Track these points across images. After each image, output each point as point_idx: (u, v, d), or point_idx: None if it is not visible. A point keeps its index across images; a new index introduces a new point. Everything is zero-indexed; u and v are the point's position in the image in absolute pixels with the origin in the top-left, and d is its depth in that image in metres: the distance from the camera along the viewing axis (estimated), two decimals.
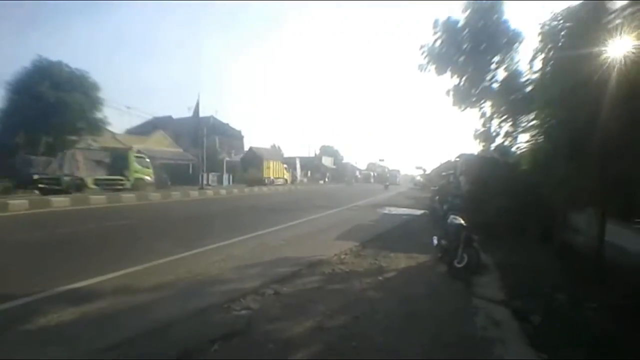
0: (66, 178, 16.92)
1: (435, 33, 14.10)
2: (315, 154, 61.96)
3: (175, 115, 37.67)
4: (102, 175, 18.90)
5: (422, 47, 14.39)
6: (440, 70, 14.37)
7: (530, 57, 10.12)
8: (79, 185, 17.10)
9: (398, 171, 71.82)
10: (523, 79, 13.04)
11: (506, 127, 14.45)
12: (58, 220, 9.74)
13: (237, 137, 43.49)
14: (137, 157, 21.07)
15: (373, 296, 4.57)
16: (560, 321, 3.82)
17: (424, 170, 31.11)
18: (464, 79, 14.40)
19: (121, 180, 19.51)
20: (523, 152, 10.42)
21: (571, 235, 7.22)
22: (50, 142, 17.67)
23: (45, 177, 16.27)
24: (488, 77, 14.49)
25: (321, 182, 52.40)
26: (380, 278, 5.37)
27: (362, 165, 77.86)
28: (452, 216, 6.32)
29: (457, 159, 16.50)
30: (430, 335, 3.49)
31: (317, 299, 4.32)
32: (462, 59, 13.99)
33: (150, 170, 21.71)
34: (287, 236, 8.45)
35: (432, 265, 6.24)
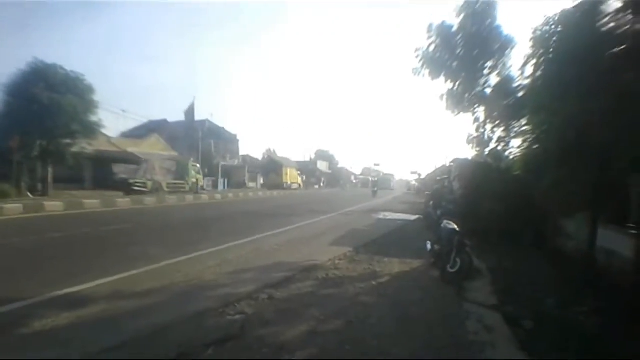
0: (149, 182, 22.15)
1: (429, 37, 14.27)
2: (311, 159, 62.08)
3: (170, 119, 37.61)
4: (171, 180, 24.37)
5: (416, 50, 14.55)
6: (434, 75, 14.52)
7: (521, 63, 10.28)
8: (157, 188, 22.03)
9: (392, 175, 70.02)
10: (515, 85, 13.23)
11: (499, 132, 14.62)
12: (56, 225, 9.69)
13: (233, 141, 43.46)
14: (192, 165, 26.62)
15: (367, 301, 4.61)
16: (551, 325, 3.87)
17: (419, 175, 31.11)
18: (457, 83, 14.57)
19: (183, 184, 24.87)
20: (516, 157, 10.57)
21: (563, 240, 7.32)
22: (44, 146, 17.55)
23: (136, 181, 21.39)
24: (481, 82, 14.67)
25: (316, 186, 52.46)
26: (374, 283, 5.41)
27: (358, 170, 78.00)
28: (445, 221, 6.38)
29: (451, 164, 16.64)
30: (422, 339, 3.54)
31: (311, 304, 4.35)
32: (455, 63, 14.16)
33: (201, 176, 27.85)
34: (281, 241, 8.47)
35: (425, 270, 6.29)
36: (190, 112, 25.78)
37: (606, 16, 4.79)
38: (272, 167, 41.35)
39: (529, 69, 7.21)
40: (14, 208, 11.70)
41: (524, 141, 8.12)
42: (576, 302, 4.60)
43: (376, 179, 48.09)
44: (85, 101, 18.57)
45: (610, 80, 4.38)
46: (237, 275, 5.47)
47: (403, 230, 11.62)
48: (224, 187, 32.94)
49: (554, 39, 5.68)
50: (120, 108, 28.96)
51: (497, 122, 14.53)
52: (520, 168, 8.83)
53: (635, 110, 4.06)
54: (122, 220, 11.00)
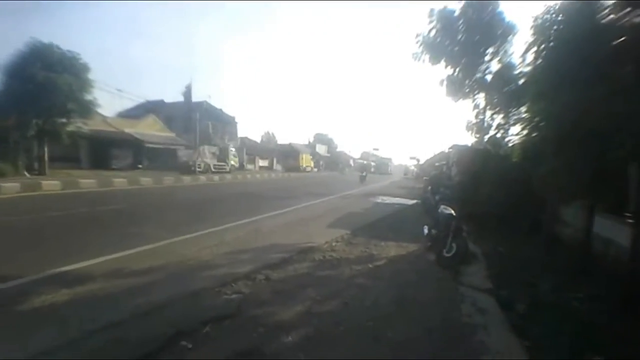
0: (203, 164, 26.93)
1: (430, 22, 14.05)
2: (309, 142, 61.83)
3: (167, 100, 37.19)
4: (216, 162, 29.28)
5: (417, 35, 14.34)
6: (434, 60, 14.36)
7: (523, 49, 10.16)
8: (207, 169, 27.14)
9: (390, 159, 69.01)
10: (516, 72, 13.12)
11: (498, 119, 14.60)
12: (53, 203, 9.68)
13: (231, 123, 43.13)
14: (231, 150, 32.17)
15: (362, 283, 4.66)
16: (545, 310, 3.93)
17: (418, 161, 31.09)
18: (457, 69, 14.44)
19: (224, 165, 29.95)
20: (514, 144, 10.56)
21: (559, 227, 7.38)
22: (40, 125, 17.38)
23: (193, 163, 26.03)
24: (482, 69, 14.55)
25: (315, 169, 52.36)
26: (370, 266, 5.46)
27: (356, 154, 77.83)
28: (442, 206, 6.41)
29: (450, 150, 16.63)
30: (416, 320, 3.59)
31: (307, 285, 4.39)
32: (456, 49, 13.99)
33: (237, 159, 33.57)
34: (279, 223, 8.50)
35: (421, 254, 6.34)
36: (187, 93, 25.47)
37: (605, 8, 4.74)
38: (290, 153, 47.85)
39: (530, 57, 7.12)
40: (11, 187, 11.65)
41: (523, 128, 8.07)
42: (571, 288, 4.66)
43: (365, 161, 47.49)
44: (80, 80, 18.30)
45: (609, 71, 4.35)
46: (234, 256, 5.50)
47: (400, 214, 11.67)
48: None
49: (554, 27, 5.60)
50: (117, 88, 28.60)
51: (497, 109, 14.48)
52: (519, 155, 8.82)
53: (633, 101, 4.04)
54: (118, 200, 11.00)
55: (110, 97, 36.50)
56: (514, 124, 13.08)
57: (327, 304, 3.88)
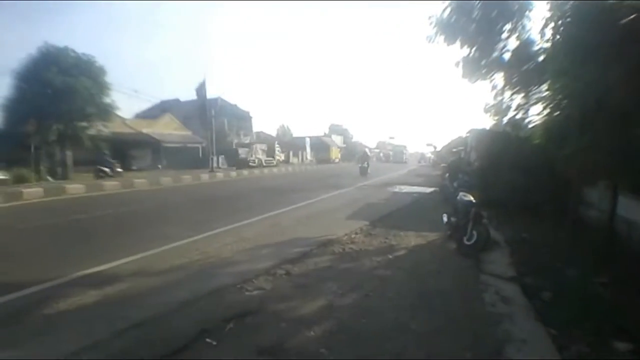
0: (256, 159, 31.87)
1: (443, 2, 13.63)
2: (325, 134, 61.57)
3: (183, 98, 37.65)
4: (266, 158, 34.08)
5: (430, 17, 13.95)
6: (449, 40, 13.95)
7: (541, 25, 9.78)
8: (260, 164, 31.63)
9: (405, 147, 65.64)
10: (535, 48, 12.63)
11: (518, 99, 14.11)
12: (78, 207, 9.99)
13: (246, 118, 43.38)
14: (277, 147, 37.74)
15: (383, 274, 4.64)
16: (570, 296, 3.83)
17: (435, 147, 30.61)
18: (474, 49, 13.98)
19: (272, 160, 34.74)
20: (535, 125, 10.21)
21: (584, 209, 7.15)
22: (61, 129, 17.88)
23: (250, 159, 31.34)
24: (499, 47, 14.05)
25: (293, 160, 52.18)
26: (390, 256, 5.42)
27: (372, 144, 77.18)
28: (461, 193, 6.28)
29: (468, 135, 16.26)
30: (439, 311, 3.55)
31: (328, 278, 4.40)
32: (472, 27, 13.53)
33: (282, 155, 39.25)
34: (297, 216, 8.54)
35: (441, 243, 6.27)
36: (202, 90, 25.67)
37: None
38: (322, 147, 52.90)
39: (549, 32, 6.84)
40: (34, 192, 12.03)
41: (544, 108, 7.79)
42: (596, 273, 4.52)
43: (367, 148, 45.70)
44: (98, 83, 18.73)
45: (627, 46, 4.15)
46: (254, 252, 5.56)
47: (419, 203, 11.54)
48: None
49: (570, 3, 5.37)
50: (133, 89, 29.12)
51: (516, 89, 14.00)
52: (541, 136, 8.53)
53: None
54: (141, 201, 11.26)
55: (127, 99, 37.26)
56: (535, 104, 12.62)
57: (349, 296, 3.88)
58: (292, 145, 47.71)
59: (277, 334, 3.04)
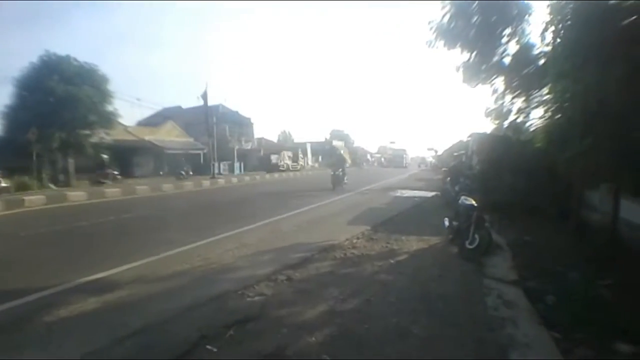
0: (284, 164, 37.34)
1: (443, 7, 13.70)
2: (326, 139, 61.68)
3: (184, 105, 37.82)
4: (292, 163, 39.09)
5: (430, 22, 14.02)
6: (449, 45, 14.00)
7: (541, 28, 9.80)
8: (287, 168, 36.87)
9: (404, 151, 64.16)
10: (536, 52, 12.66)
11: (519, 103, 14.10)
12: (80, 214, 10.01)
13: (247, 124, 43.49)
14: (300, 155, 42.18)
15: (385, 279, 4.61)
16: (573, 300, 3.80)
17: (436, 152, 30.62)
18: (474, 54, 14.02)
19: (297, 165, 39.89)
20: (537, 128, 10.21)
21: (587, 212, 7.11)
22: (64, 137, 17.95)
23: (280, 164, 36.64)
24: (499, 51, 14.08)
25: (315, 165, 52.28)
26: (392, 261, 5.40)
27: (373, 149, 77.21)
28: (463, 197, 6.27)
29: (469, 139, 16.27)
30: (441, 316, 3.53)
31: (329, 284, 4.38)
32: (472, 32, 13.58)
33: (306, 158, 45.18)
34: (299, 222, 8.52)
35: (443, 247, 6.24)
36: (203, 97, 25.83)
37: None
38: (333, 152, 53.98)
39: (549, 36, 6.86)
40: (36, 199, 12.07)
41: (545, 111, 7.80)
42: (599, 276, 4.49)
43: (342, 150, 46.18)
44: (100, 91, 18.84)
45: (627, 48, 4.16)
46: (256, 257, 5.54)
47: (420, 207, 11.50)
48: (240, 170, 33.25)
49: (570, 6, 5.39)
50: (135, 97, 29.31)
51: (517, 93, 14.01)
52: (542, 140, 8.53)
53: None
54: (142, 208, 11.27)
55: (130, 106, 37.49)
56: (536, 107, 12.62)
57: (350, 302, 3.85)
58: (270, 149, 47.19)
59: (278, 340, 3.01)
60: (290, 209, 10.30)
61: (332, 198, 13.40)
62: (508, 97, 14.49)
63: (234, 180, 23.38)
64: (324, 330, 3.21)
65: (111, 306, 3.75)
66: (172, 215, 10.22)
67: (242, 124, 41.56)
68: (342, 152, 57.03)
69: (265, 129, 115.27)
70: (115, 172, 20.42)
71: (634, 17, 4.15)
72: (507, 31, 13.70)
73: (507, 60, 14.07)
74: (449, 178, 11.85)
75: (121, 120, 23.04)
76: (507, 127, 14.24)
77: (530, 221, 7.82)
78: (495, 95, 14.85)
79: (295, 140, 57.78)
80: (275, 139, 55.23)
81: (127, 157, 25.46)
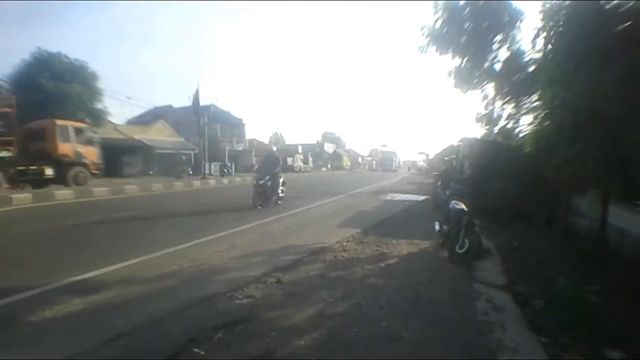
0: (299, 166, 42.27)
1: (435, 13, 13.85)
2: (317, 141, 61.76)
3: (175, 105, 37.54)
4: (302, 165, 43.55)
5: (422, 28, 14.16)
6: (441, 51, 14.15)
7: (532, 35, 9.96)
8: (300, 169, 41.78)
9: (394, 154, 62.40)
10: (526, 59, 12.86)
11: (509, 109, 14.33)
12: (65, 213, 9.83)
13: (239, 125, 43.36)
14: (310, 158, 46.98)
15: (375, 282, 4.60)
16: (561, 305, 3.84)
17: (427, 155, 30.87)
18: (465, 59, 14.20)
19: (307, 166, 44.66)
20: (526, 134, 10.35)
21: (574, 218, 7.21)
22: None
23: (294, 165, 42.10)
24: (490, 57, 14.28)
25: (323, 169, 52.40)
26: (382, 265, 5.40)
27: (365, 152, 77.51)
28: (453, 201, 6.30)
29: (460, 143, 16.40)
30: (431, 319, 3.53)
31: (319, 287, 4.35)
32: (463, 38, 13.75)
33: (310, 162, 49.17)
34: (289, 224, 8.49)
35: (433, 251, 6.26)
36: (195, 97, 25.67)
37: None
38: (336, 157, 60.85)
39: (540, 42, 6.96)
40: (23, 197, 11.83)
41: (535, 117, 7.90)
42: (587, 281, 4.55)
43: (275, 149, 48.39)
44: (90, 89, 18.64)
45: (620, 54, 4.24)
46: (245, 259, 5.49)
47: (411, 211, 11.56)
48: (232, 172, 33.06)
49: (563, 12, 5.47)
50: (125, 95, 29.05)
51: (507, 99, 14.22)
52: (531, 145, 8.64)
53: None
54: (131, 207, 11.11)
55: (120, 105, 37.12)
56: (526, 113, 12.81)
57: (340, 305, 3.83)
58: (286, 152, 48.00)
59: (267, 343, 2.98)
60: (280, 212, 10.25)
61: (323, 201, 13.37)
62: (498, 103, 14.71)
63: (225, 181, 23.22)
64: (313, 333, 3.19)
65: (97, 307, 3.67)
66: (161, 215, 10.08)
67: (233, 125, 41.42)
68: (345, 157, 59.44)
69: (257, 130, 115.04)
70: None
71: (629, 22, 4.21)
72: (499, 37, 13.91)
73: (498, 66, 14.28)
74: (439, 182, 11.90)
75: (110, 119, 22.89)
76: (498, 132, 14.43)
77: (519, 226, 7.90)
78: (486, 101, 15.06)
79: (287, 142, 57.77)
80: (266, 140, 55.16)
81: (116, 156, 25.15)
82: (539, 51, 7.25)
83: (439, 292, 4.29)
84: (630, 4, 4.34)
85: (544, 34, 6.09)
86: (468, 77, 14.46)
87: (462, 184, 8.06)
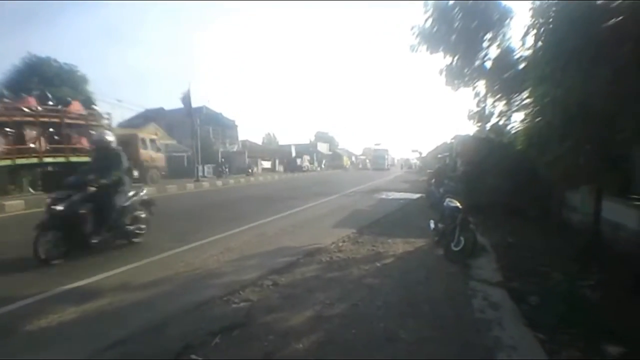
0: (307, 166, 45.74)
1: (426, 12, 13.91)
2: (310, 141, 61.72)
3: (167, 107, 37.26)
4: (309, 165, 46.59)
5: (413, 27, 14.21)
6: (432, 50, 14.23)
7: (522, 33, 10.03)
8: (308, 169, 44.85)
9: (386, 151, 60.05)
10: (516, 56, 12.96)
11: (500, 106, 14.44)
12: None
13: (231, 126, 43.19)
14: (315, 157, 50.23)
15: (371, 283, 4.60)
16: (557, 300, 3.87)
17: (420, 153, 31.08)
18: (456, 58, 14.28)
19: (313, 166, 48.39)
20: (518, 131, 10.43)
21: (568, 213, 7.28)
22: None
23: (303, 166, 44.74)
24: (481, 55, 14.39)
25: (318, 168, 52.36)
26: (378, 264, 5.39)
27: (358, 151, 77.66)
28: (448, 199, 6.33)
29: (453, 141, 16.50)
30: (428, 319, 3.53)
31: (315, 288, 4.34)
32: (454, 37, 13.83)
33: (315, 163, 51.58)
34: (284, 225, 8.46)
35: (429, 249, 6.28)
36: (186, 99, 25.50)
37: None
38: (336, 157, 62.47)
39: (530, 40, 7.00)
40: (15, 204, 11.63)
41: (526, 114, 7.97)
42: (582, 276, 4.59)
43: (353, 157, 50.73)
44: (79, 92, 18.44)
45: (610, 51, 4.27)
46: (241, 262, 5.46)
47: (406, 209, 11.59)
48: (226, 173, 32.88)
49: (553, 9, 5.51)
50: (116, 98, 28.80)
51: (498, 96, 14.33)
52: (523, 142, 8.71)
53: (636, 81, 3.96)
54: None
55: (111, 108, 36.72)
56: (517, 110, 12.92)
57: (337, 306, 3.82)
58: (279, 153, 47.93)
59: (265, 348, 2.96)
60: (275, 212, 10.22)
61: (318, 201, 13.36)
62: (490, 101, 14.82)
63: (219, 183, 23.09)
64: (311, 336, 3.17)
65: (91, 316, 3.62)
66: (154, 219, 9.96)
67: (226, 126, 41.25)
68: (345, 157, 60.84)
69: (250, 131, 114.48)
70: None
71: (619, 18, 4.24)
72: (488, 36, 14.02)
73: (488, 64, 14.39)
74: (433, 180, 11.98)
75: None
76: (490, 129, 14.53)
77: (513, 222, 7.95)
78: (478, 98, 15.16)
79: (280, 143, 57.68)
80: (259, 141, 55.04)
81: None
82: (529, 48, 7.30)
83: (435, 291, 4.30)
84: (619, 1, 4.38)
85: (534, 31, 6.13)
86: (459, 75, 14.56)
87: (456, 181, 8.10)
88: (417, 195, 15.05)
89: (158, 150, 21.56)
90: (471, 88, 15.07)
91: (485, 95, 14.85)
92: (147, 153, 19.95)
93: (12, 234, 7.78)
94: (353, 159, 69.90)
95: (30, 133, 14.71)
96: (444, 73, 14.76)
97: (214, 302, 3.93)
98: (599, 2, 4.69)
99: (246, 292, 4.20)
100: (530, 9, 6.31)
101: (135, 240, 6.44)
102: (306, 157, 48.13)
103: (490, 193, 8.62)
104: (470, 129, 16.62)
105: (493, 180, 8.82)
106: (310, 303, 3.90)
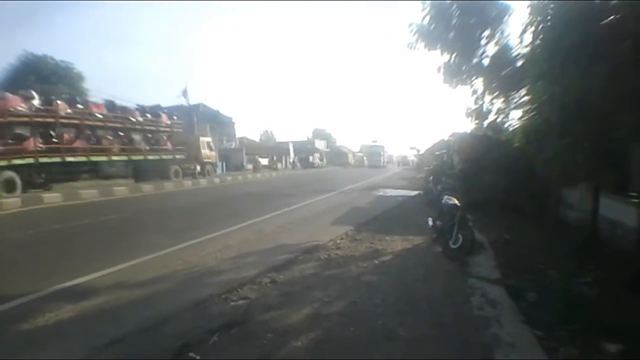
0: (316, 163, 49.09)
1: (423, 9, 13.84)
2: (308, 138, 61.58)
3: (164, 104, 37.02)
4: (319, 162, 50.23)
5: (410, 25, 14.15)
6: (430, 47, 14.17)
7: (520, 30, 10.02)
8: (318, 166, 47.52)
9: (382, 147, 57.65)
10: (514, 54, 12.93)
11: (498, 103, 14.39)
12: (55, 217, 9.65)
13: (228, 123, 42.99)
14: (324, 155, 53.15)
15: (370, 280, 4.60)
16: (555, 297, 3.87)
17: (418, 151, 31.02)
18: (454, 55, 14.22)
19: (322, 163, 51.11)
20: (516, 128, 10.44)
21: (565, 210, 7.30)
22: None
23: (314, 162, 49.37)
24: (478, 53, 14.33)
25: (325, 165, 52.32)
26: (377, 262, 5.39)
27: (356, 148, 77.54)
28: (446, 196, 6.33)
29: (450, 138, 16.52)
30: (427, 316, 3.53)
31: (314, 286, 4.34)
32: (451, 34, 13.77)
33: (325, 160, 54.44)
34: (282, 222, 8.45)
35: (427, 246, 6.28)
36: (184, 95, 25.53)
37: None
38: (341, 154, 62.53)
39: (528, 37, 6.99)
40: (12, 202, 11.62)
41: (524, 112, 7.97)
42: (579, 273, 4.60)
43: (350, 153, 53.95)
44: (75, 90, 18.33)
45: (608, 48, 4.27)
46: (239, 260, 5.45)
47: (403, 206, 11.59)
48: (223, 170, 32.80)
49: (551, 7, 5.50)
50: (112, 95, 28.64)
51: (496, 94, 14.30)
52: (521, 139, 8.72)
53: (634, 78, 3.96)
54: (121, 209, 10.97)
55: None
56: (515, 108, 12.91)
57: (336, 304, 3.82)
58: (277, 150, 47.71)
59: (263, 346, 2.95)
60: (273, 210, 10.20)
61: (316, 198, 13.34)
62: (488, 98, 14.76)
63: (216, 180, 23.04)
64: (309, 334, 3.17)
65: (88, 314, 3.61)
66: (153, 216, 9.97)
67: (223, 124, 41.05)
68: (349, 154, 61.62)
69: (247, 128, 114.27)
70: None
71: (619, 15, 4.23)
72: (486, 33, 13.95)
73: (486, 61, 14.33)
74: (431, 177, 12.00)
75: None
76: (487, 126, 14.51)
77: (511, 219, 7.97)
78: (476, 95, 15.10)
79: (278, 140, 57.55)
80: (257, 138, 54.90)
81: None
82: (527, 46, 7.30)
83: (434, 288, 4.30)
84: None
85: (532, 28, 6.11)
86: (457, 73, 14.49)
87: (454, 178, 8.11)
88: (415, 193, 15.07)
89: (211, 149, 26.43)
90: (469, 85, 14.99)
91: (483, 93, 14.80)
92: (205, 152, 25.11)
93: (9, 232, 7.75)
94: (350, 156, 69.80)
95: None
96: (441, 70, 14.71)
97: (212, 300, 3.92)
98: (595, 0, 4.68)
99: (244, 289, 4.19)
100: (528, 7, 6.30)
101: None
102: (317, 155, 52.08)
103: (488, 190, 8.63)
104: (468, 126, 16.61)
105: (491, 177, 8.82)
106: (308, 301, 3.89)
